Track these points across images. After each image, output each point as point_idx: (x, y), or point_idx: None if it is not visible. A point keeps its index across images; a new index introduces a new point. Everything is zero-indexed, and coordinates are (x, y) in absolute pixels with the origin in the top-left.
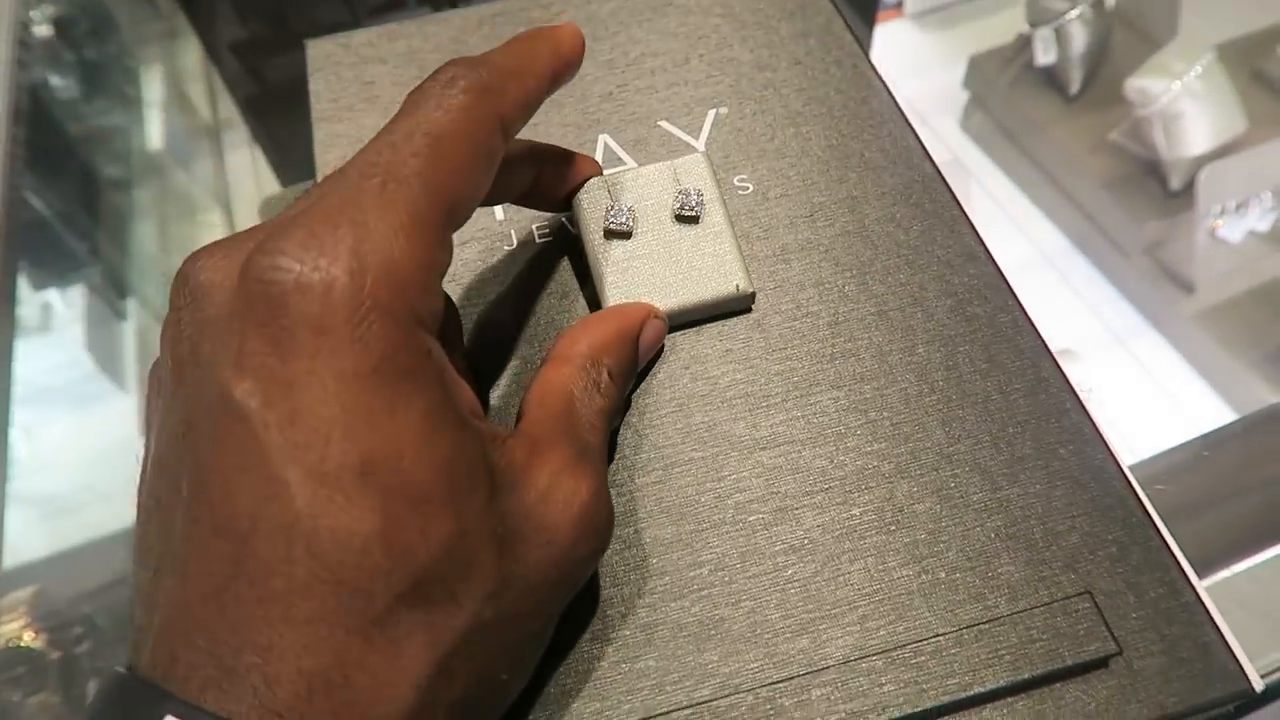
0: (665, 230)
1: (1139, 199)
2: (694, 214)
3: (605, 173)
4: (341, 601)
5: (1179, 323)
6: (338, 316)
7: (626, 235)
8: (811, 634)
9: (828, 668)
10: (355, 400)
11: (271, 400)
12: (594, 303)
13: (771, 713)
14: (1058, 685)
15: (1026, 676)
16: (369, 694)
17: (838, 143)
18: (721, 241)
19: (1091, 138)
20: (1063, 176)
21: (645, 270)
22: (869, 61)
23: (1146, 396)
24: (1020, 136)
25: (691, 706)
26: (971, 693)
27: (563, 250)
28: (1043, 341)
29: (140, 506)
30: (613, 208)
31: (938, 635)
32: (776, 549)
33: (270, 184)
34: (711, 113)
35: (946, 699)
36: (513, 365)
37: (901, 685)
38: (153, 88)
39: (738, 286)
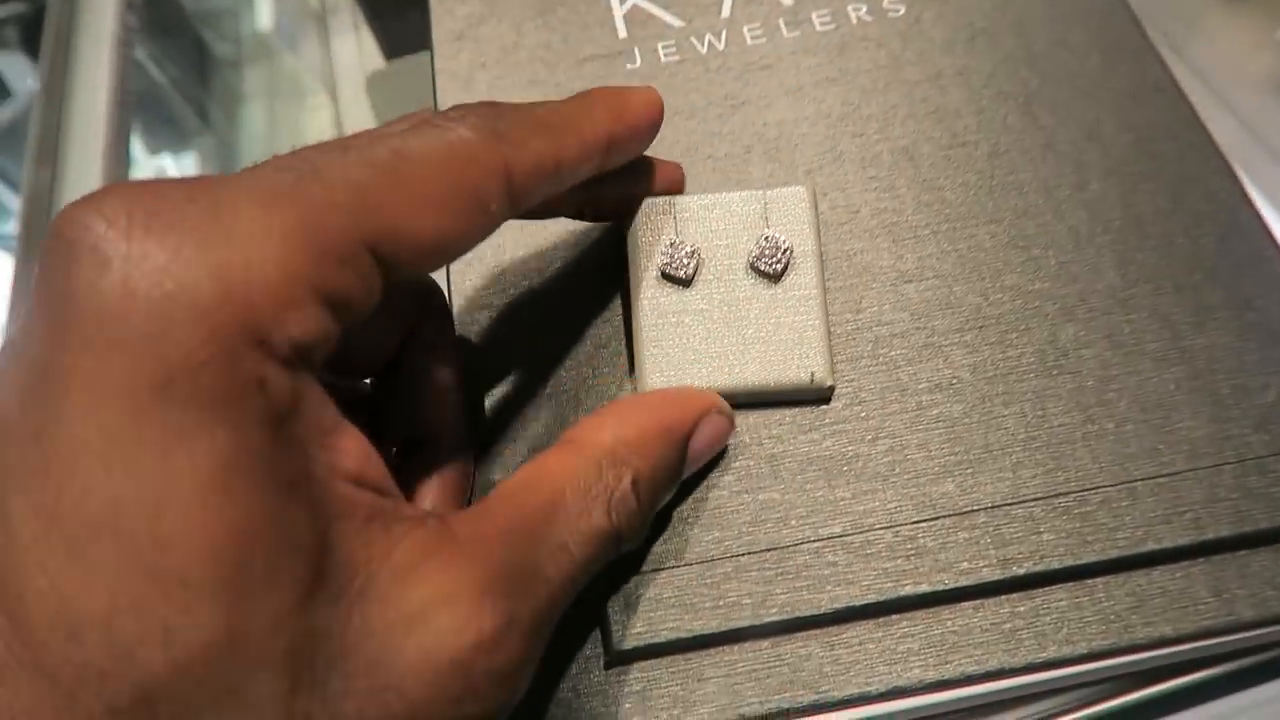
0: (735, 284)
1: None
2: (773, 271)
3: (675, 196)
4: (40, 698)
5: None
6: (134, 304)
7: (685, 284)
8: (957, 478)
9: (976, 511)
10: (119, 422)
11: (27, 392)
12: (631, 357)
13: (913, 551)
14: (1243, 552)
15: (1210, 538)
16: None
17: None
18: (804, 312)
19: (1255, 37)
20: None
21: (698, 331)
22: None
23: None
24: (1173, 34)
25: (820, 541)
26: (1144, 549)
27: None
28: (1239, 184)
29: None
30: (674, 244)
31: (1104, 487)
32: (921, 387)
33: (378, 67)
34: None
35: (1114, 554)
36: (523, 403)
37: (1062, 535)
38: None
39: (812, 376)
